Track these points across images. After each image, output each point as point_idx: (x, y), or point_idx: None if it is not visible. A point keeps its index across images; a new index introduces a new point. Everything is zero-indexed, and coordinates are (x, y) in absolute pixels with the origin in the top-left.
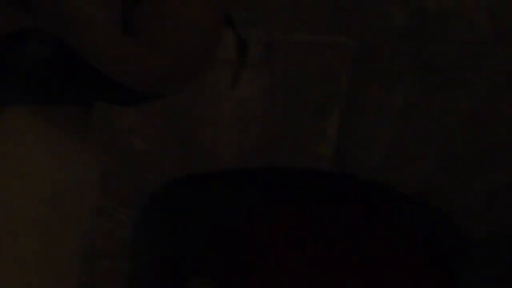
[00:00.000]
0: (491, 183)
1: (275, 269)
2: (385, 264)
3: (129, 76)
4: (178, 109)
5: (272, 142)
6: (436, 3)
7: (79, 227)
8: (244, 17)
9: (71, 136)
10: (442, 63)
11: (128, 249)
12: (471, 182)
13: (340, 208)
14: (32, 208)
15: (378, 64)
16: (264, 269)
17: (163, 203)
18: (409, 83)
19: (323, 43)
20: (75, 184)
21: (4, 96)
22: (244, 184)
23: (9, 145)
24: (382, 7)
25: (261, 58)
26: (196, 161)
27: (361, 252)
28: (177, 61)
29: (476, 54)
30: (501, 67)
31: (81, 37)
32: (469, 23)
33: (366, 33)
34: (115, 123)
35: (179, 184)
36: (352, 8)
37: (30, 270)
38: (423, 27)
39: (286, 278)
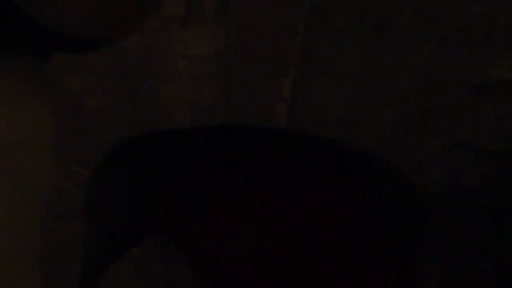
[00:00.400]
0: (446, 139)
1: (230, 225)
2: (337, 219)
3: (69, 22)
4: (132, 68)
5: (227, 100)
6: None
7: (37, 183)
8: None
9: (23, 90)
10: (396, 21)
11: (84, 209)
12: (426, 139)
13: (296, 165)
14: None
15: (333, 22)
16: (218, 225)
17: (118, 162)
18: (363, 40)
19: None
20: (30, 136)
21: None
22: (199, 142)
23: None
24: None
25: (216, 14)
26: (151, 120)
27: (314, 207)
28: (117, 5)
29: (429, 11)
30: (454, 24)
31: None
32: None
33: None
34: (67, 83)
35: (134, 143)
36: None
37: None
38: None
39: (240, 232)
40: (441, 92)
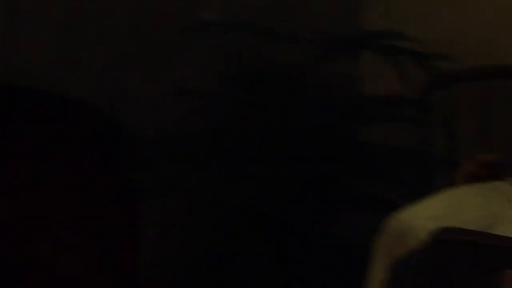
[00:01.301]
0: (158, 83)
1: None
2: (48, 163)
3: None
4: None
5: None
6: None
7: None
8: None
9: None
10: None
11: None
12: (138, 82)
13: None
14: None
15: None
16: None
17: None
18: None
19: None
20: None
21: None
22: None
23: None
24: None
25: None
26: None
27: (26, 155)
28: None
29: None
30: None
31: None
32: None
33: None
34: None
35: None
36: None
37: None
38: None
39: None
40: (152, 35)
